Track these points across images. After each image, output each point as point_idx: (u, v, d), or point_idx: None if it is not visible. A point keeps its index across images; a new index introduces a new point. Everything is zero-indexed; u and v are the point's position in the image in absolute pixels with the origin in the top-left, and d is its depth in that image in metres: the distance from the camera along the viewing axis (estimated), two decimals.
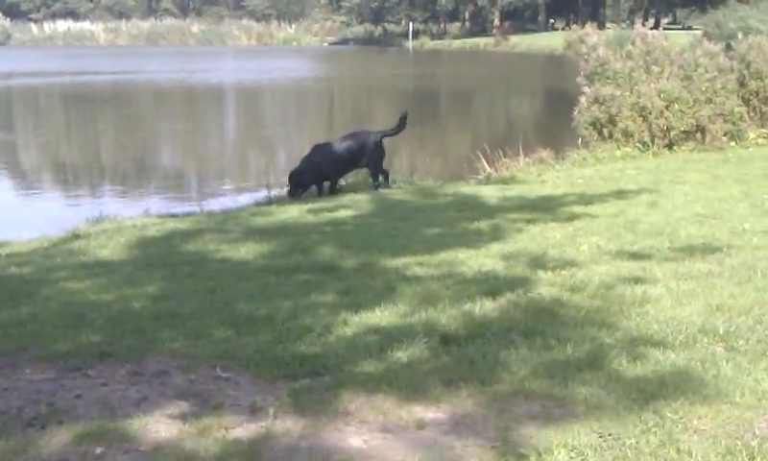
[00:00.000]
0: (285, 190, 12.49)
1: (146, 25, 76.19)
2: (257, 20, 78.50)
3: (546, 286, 6.19)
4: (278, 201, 11.97)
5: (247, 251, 7.99)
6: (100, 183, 17.54)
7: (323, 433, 3.92)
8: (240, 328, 5.40)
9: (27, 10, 78.11)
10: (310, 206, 10.65)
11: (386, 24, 78.37)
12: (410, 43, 73.09)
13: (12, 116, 30.94)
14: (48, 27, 75.01)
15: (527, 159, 14.64)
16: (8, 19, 75.31)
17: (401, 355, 4.76)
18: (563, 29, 69.10)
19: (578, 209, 9.55)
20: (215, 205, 12.80)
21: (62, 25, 75.02)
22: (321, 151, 12.61)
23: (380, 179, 12.56)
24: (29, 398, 4.47)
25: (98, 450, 3.81)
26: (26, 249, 8.52)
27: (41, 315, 5.88)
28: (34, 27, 75.46)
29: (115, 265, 7.58)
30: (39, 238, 9.30)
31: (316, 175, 12.41)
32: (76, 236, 9.03)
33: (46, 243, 8.81)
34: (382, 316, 5.52)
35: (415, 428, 3.95)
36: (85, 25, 76.04)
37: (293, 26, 78.49)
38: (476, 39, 71.30)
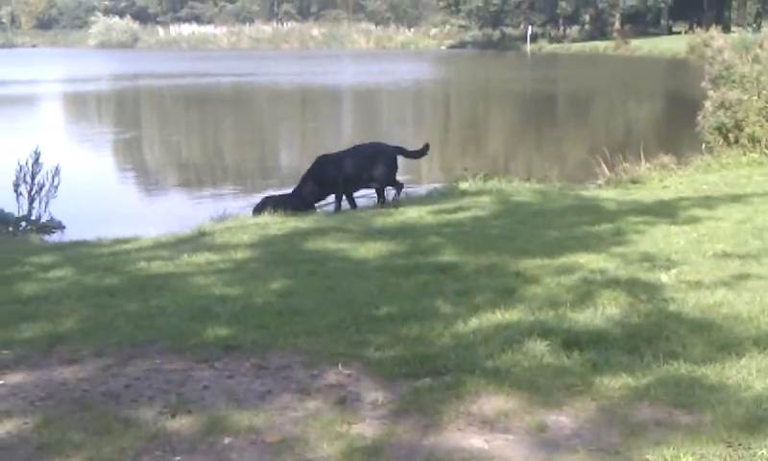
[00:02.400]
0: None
1: (267, 29, 77.58)
2: (376, 24, 79.04)
3: (670, 291, 6.07)
4: (397, 202, 12.02)
5: (366, 250, 8.06)
6: (222, 182, 17.91)
7: (444, 432, 3.94)
8: (361, 326, 5.45)
9: (154, 13, 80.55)
10: (429, 207, 10.68)
11: (504, 28, 77.95)
12: (528, 47, 72.50)
13: (138, 116, 31.92)
14: (174, 30, 77.16)
15: (648, 164, 14.35)
16: (136, 23, 77.75)
17: (522, 358, 4.74)
18: (685, 32, 67.44)
19: (702, 215, 9.32)
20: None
21: (187, 29, 77.06)
22: (327, 162, 11.90)
23: (395, 193, 11.91)
24: (159, 387, 4.61)
25: (226, 441, 3.91)
26: (154, 244, 8.79)
27: (169, 308, 6.06)
28: (160, 30, 77.73)
29: (239, 262, 7.75)
30: (167, 235, 9.58)
31: (321, 189, 11.68)
32: (202, 233, 9.27)
33: (173, 239, 9.06)
34: (502, 318, 5.50)
35: (537, 431, 3.93)
36: (209, 29, 77.92)
37: (411, 29, 78.80)
38: (596, 43, 70.23)
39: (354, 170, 11.65)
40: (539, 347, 4.85)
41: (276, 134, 26.77)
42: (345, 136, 27.12)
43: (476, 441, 3.85)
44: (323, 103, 36.44)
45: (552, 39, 75.72)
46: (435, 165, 20.49)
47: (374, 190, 11.89)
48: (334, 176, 11.55)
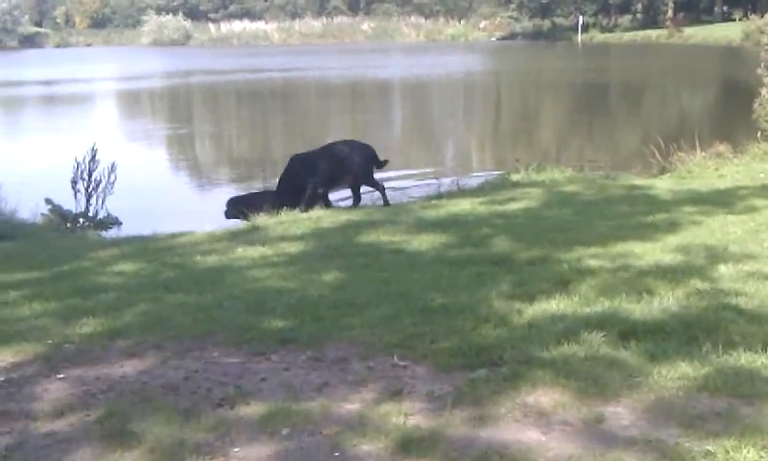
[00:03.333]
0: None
1: (317, 24, 77.83)
2: (425, 17, 78.86)
3: (728, 282, 5.99)
4: (449, 194, 12.02)
5: (419, 243, 8.07)
6: (273, 176, 17.95)
7: (501, 423, 3.93)
8: (416, 318, 5.46)
9: (206, 10, 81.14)
10: (481, 198, 10.67)
11: (555, 18, 77.31)
12: (579, 37, 71.83)
13: (190, 112, 32.22)
14: (225, 27, 77.72)
15: (703, 153, 14.16)
16: (189, 20, 78.44)
17: (579, 348, 4.71)
18: (740, 19, 66.28)
19: (760, 204, 9.19)
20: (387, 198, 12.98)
21: (238, 25, 77.56)
22: (300, 162, 11.65)
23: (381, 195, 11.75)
24: (217, 379, 4.67)
25: (284, 431, 3.95)
26: (209, 238, 8.88)
27: (226, 301, 6.13)
28: (212, 27, 78.36)
29: (293, 255, 7.80)
30: (221, 229, 9.68)
31: (297, 189, 11.31)
32: (255, 228, 9.34)
33: (228, 234, 9.15)
34: (558, 308, 5.48)
35: (594, 423, 3.91)
36: (260, 25, 78.37)
37: (461, 22, 78.52)
38: (648, 32, 69.35)
39: (327, 169, 11.43)
40: (595, 338, 4.82)
41: (327, 128, 26.86)
42: (395, 129, 27.16)
43: (533, 433, 3.84)
44: (373, 96, 36.47)
45: (603, 29, 74.95)
46: (486, 156, 20.45)
47: (350, 189, 11.77)
48: (303, 176, 11.33)
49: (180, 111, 32.32)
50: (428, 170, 17.82)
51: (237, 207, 10.94)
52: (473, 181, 14.06)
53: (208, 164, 20.41)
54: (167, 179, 17.11)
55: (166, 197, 11.82)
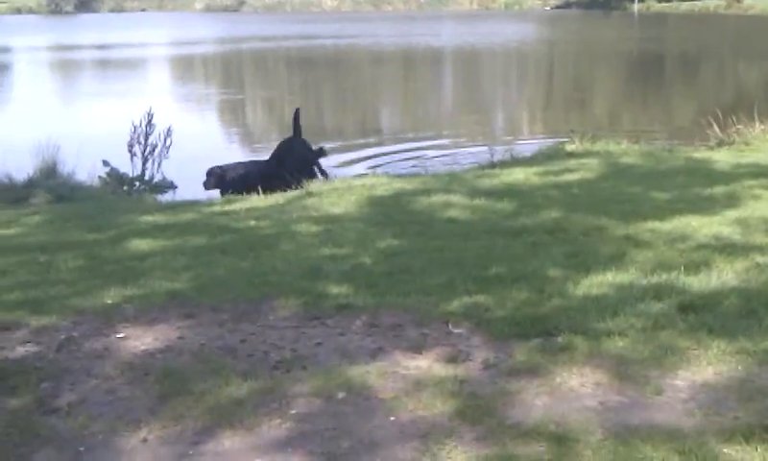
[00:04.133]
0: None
1: None
2: None
3: None
4: (502, 163, 11.94)
5: (473, 212, 8.04)
6: (324, 142, 17.96)
7: (557, 393, 3.93)
8: (470, 287, 5.46)
9: None
10: (535, 169, 10.57)
11: None
12: (635, 6, 70.75)
13: (242, 78, 32.32)
14: None
15: (762, 126, 13.89)
16: None
17: (635, 320, 4.67)
18: None
19: None
20: (439, 166, 12.96)
21: None
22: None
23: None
24: (273, 343, 4.71)
25: (340, 395, 3.98)
26: (263, 204, 8.92)
27: (280, 266, 6.16)
28: None
29: (346, 222, 7.82)
30: (275, 195, 9.72)
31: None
32: (309, 194, 9.36)
33: (281, 200, 9.18)
34: (614, 280, 5.43)
35: (652, 393, 3.89)
36: None
37: None
38: (706, 2, 68.05)
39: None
40: (652, 309, 4.79)
41: (378, 96, 26.84)
42: (447, 97, 27.06)
43: (590, 402, 3.83)
44: (426, 64, 36.31)
45: None
46: (538, 125, 20.31)
47: None
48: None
49: (233, 77, 32.46)
50: (479, 138, 17.80)
51: (217, 178, 10.78)
52: (525, 148, 13.98)
53: (260, 130, 20.48)
54: (220, 143, 17.18)
55: (219, 161, 11.88)
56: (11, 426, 3.78)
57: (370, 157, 15.41)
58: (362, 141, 17.61)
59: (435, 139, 17.95)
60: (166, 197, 11.08)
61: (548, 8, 75.80)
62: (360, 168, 14.00)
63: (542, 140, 16.93)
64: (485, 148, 15.07)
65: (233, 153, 15.83)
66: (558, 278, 5.59)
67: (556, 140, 15.82)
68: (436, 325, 4.88)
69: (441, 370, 4.22)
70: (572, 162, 11.12)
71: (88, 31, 55.71)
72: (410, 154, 15.87)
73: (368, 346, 4.63)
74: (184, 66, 36.61)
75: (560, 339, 4.46)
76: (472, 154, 14.91)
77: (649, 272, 5.57)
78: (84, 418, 3.86)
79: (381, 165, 14.37)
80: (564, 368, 4.14)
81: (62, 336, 4.85)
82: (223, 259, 6.48)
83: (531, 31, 53.58)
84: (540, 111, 23.23)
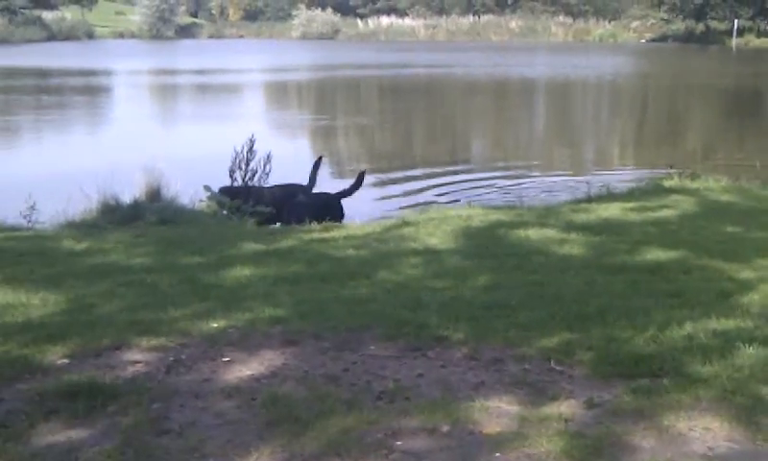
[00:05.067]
0: None
1: (464, 21, 77.81)
2: (574, 16, 77.71)
3: None
4: (598, 197, 11.84)
5: (570, 247, 8.00)
6: (415, 170, 17.99)
7: (665, 436, 3.89)
8: (571, 323, 5.44)
9: (354, 6, 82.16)
10: (632, 204, 10.48)
11: (709, 21, 74.91)
12: (734, 41, 69.51)
13: (335, 105, 32.67)
14: (372, 22, 78.58)
15: None
16: (337, 15, 79.68)
17: (743, 364, 4.60)
18: None
19: None
20: (533, 199, 12.93)
21: (386, 21, 78.31)
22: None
23: None
24: (375, 373, 4.76)
25: (445, 428, 4.01)
26: (360, 233, 9.01)
27: (380, 296, 6.23)
28: (359, 22, 79.36)
29: (444, 253, 7.86)
30: (371, 223, 9.82)
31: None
32: (405, 224, 9.43)
33: (378, 228, 9.27)
34: (719, 322, 5.35)
35: (763, 441, 3.82)
36: (407, 21, 78.92)
37: (610, 22, 77.07)
38: None
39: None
40: (761, 354, 4.70)
41: (470, 125, 26.87)
42: (538, 128, 26.94)
43: (698, 447, 3.79)
44: (518, 95, 36.22)
45: (760, 34, 72.15)
46: (631, 159, 20.12)
47: None
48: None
49: (326, 103, 32.83)
50: (570, 168, 17.74)
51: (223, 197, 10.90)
52: (616, 178, 13.88)
53: (350, 156, 20.60)
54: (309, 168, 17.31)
55: (316, 188, 12.05)
56: (126, 445, 3.90)
57: (456, 183, 15.51)
58: (450, 169, 17.68)
59: (525, 169, 17.93)
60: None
61: (644, 40, 74.91)
62: (448, 196, 14.10)
63: (634, 172, 16.89)
64: (576, 178, 15.11)
65: (327, 179, 15.96)
66: (660, 317, 5.53)
67: (649, 172, 15.77)
68: (537, 361, 4.87)
69: (544, 407, 4.21)
70: (670, 199, 10.98)
71: (188, 56, 57.03)
72: (499, 182, 15.91)
73: (469, 379, 4.65)
74: (280, 92, 37.22)
75: (665, 381, 4.42)
76: (563, 184, 14.91)
77: (756, 316, 5.47)
78: (195, 440, 3.96)
79: (466, 191, 14.46)
80: (670, 411, 4.10)
81: (171, 358, 4.98)
82: (323, 287, 6.57)
83: (626, 63, 53.03)
84: (632, 144, 23.00)
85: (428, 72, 44.53)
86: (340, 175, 16.72)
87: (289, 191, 11.32)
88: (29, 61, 47.62)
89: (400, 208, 12.50)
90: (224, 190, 11.05)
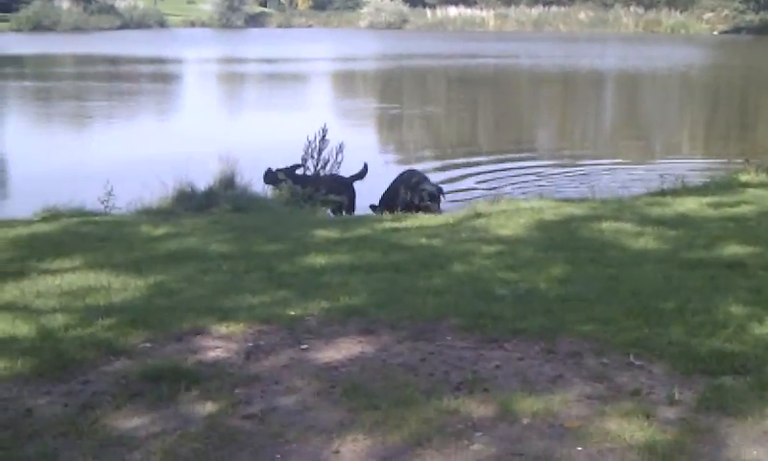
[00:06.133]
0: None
1: (533, 11, 77.14)
2: (645, 7, 76.47)
3: None
4: (672, 191, 11.69)
5: (645, 241, 7.91)
6: (479, 159, 17.94)
7: (750, 433, 3.85)
8: (649, 318, 5.39)
9: None
10: (708, 199, 10.31)
11: None
12: None
13: (401, 93, 32.62)
14: (441, 13, 78.27)
15: None
16: (406, 5, 79.53)
17: None
18: None
19: None
20: (605, 190, 12.79)
21: (454, 11, 77.95)
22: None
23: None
24: (453, 364, 4.78)
25: (524, 421, 4.01)
26: (433, 223, 9.02)
27: (455, 287, 6.24)
28: (428, 12, 79.09)
29: (516, 245, 7.83)
30: (444, 214, 9.82)
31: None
32: (477, 215, 9.41)
33: (451, 219, 9.27)
34: None
35: None
36: (476, 11, 78.50)
37: (682, 13, 75.67)
38: None
39: None
40: None
41: (537, 116, 26.68)
42: (604, 119, 26.65)
43: None
44: (586, 86, 35.83)
45: None
46: (704, 151, 19.85)
47: None
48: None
49: (392, 92, 32.77)
50: (637, 157, 17.57)
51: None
52: (684, 167, 13.72)
53: (416, 145, 20.53)
54: (380, 157, 17.34)
55: (384, 177, 12.08)
56: (210, 430, 3.97)
57: (522, 174, 15.48)
58: (516, 156, 17.64)
59: (592, 159, 17.80)
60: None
61: (716, 32, 73.49)
62: (512, 185, 14.08)
63: (704, 161, 16.82)
64: (646, 167, 15.06)
65: (390, 167, 15.96)
66: (741, 314, 5.46)
67: (719, 162, 15.67)
68: (615, 355, 4.84)
69: (625, 402, 4.19)
70: (747, 194, 10.79)
71: (257, 44, 57.48)
72: (569, 171, 15.83)
73: (547, 372, 4.64)
74: (349, 81, 37.32)
75: (749, 378, 4.36)
76: (636, 175, 14.83)
77: None
78: (277, 425, 4.02)
79: (531, 182, 14.43)
80: (755, 408, 4.05)
81: (250, 344, 5.06)
82: (397, 276, 6.60)
83: (698, 55, 52.13)
84: (702, 135, 22.70)
85: (497, 62, 44.24)
86: (407, 162, 16.71)
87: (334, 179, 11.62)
88: (103, 49, 48.42)
89: (468, 198, 12.50)
90: (269, 174, 11.41)
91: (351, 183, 11.70)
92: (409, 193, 11.08)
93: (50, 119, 23.69)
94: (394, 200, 11.07)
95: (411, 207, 10.68)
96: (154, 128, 22.10)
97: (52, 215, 9.56)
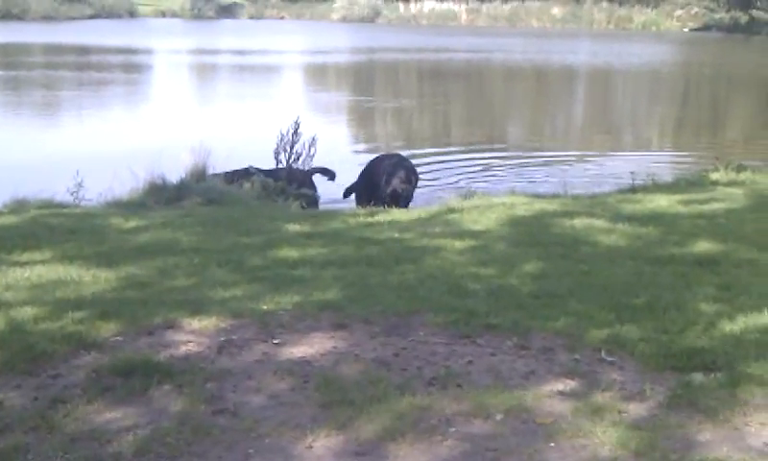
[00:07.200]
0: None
1: (506, 7, 77.25)
2: (619, 4, 76.82)
3: None
4: (643, 188, 11.76)
5: (617, 237, 7.96)
6: (448, 149, 17.96)
7: (720, 430, 3.88)
8: (621, 314, 5.43)
9: None
10: (678, 196, 10.39)
11: (754, 10, 73.71)
12: None
13: (373, 87, 32.57)
14: (414, 7, 78.24)
15: None
16: None
17: None
18: None
19: None
20: (578, 188, 12.85)
21: (428, 5, 77.89)
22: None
23: None
24: (425, 359, 4.78)
25: (498, 417, 4.02)
26: (406, 218, 9.02)
27: (427, 282, 6.24)
28: (401, 6, 78.98)
29: (489, 240, 7.85)
30: (417, 209, 9.83)
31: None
32: (450, 210, 9.43)
33: (424, 214, 9.27)
34: None
35: None
36: (449, 5, 78.52)
37: (653, 10, 76.11)
38: None
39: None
40: None
41: (507, 110, 26.76)
42: (576, 115, 26.78)
43: (755, 441, 3.78)
44: (558, 81, 35.96)
45: None
46: (673, 145, 20.04)
47: None
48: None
49: (364, 86, 32.73)
50: (608, 154, 17.70)
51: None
52: (667, 176, 13.78)
53: (387, 138, 20.50)
54: (358, 151, 17.33)
55: (350, 170, 12.09)
56: (182, 424, 3.94)
57: (494, 167, 15.56)
58: (488, 149, 17.73)
59: (563, 153, 17.91)
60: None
61: (686, 29, 73.98)
62: (485, 180, 14.13)
63: (672, 154, 17.06)
64: (616, 162, 15.24)
65: (360, 159, 15.95)
66: (711, 311, 5.51)
67: (686, 157, 15.93)
68: (587, 351, 4.87)
69: (597, 398, 4.21)
70: (717, 192, 10.88)
71: (229, 36, 57.19)
72: (541, 166, 15.92)
73: (520, 368, 4.66)
74: (321, 73, 37.24)
75: (720, 375, 4.40)
76: (605, 171, 14.97)
77: None
78: (250, 420, 4.01)
79: (503, 177, 14.50)
80: (725, 405, 4.08)
81: (222, 338, 5.03)
82: (370, 271, 6.59)
83: (669, 52, 52.49)
84: (670, 132, 22.88)
85: (469, 57, 44.29)
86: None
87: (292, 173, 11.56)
88: (73, 39, 47.98)
89: (440, 193, 12.51)
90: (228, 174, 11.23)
91: (311, 177, 11.66)
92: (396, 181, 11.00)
93: (19, 108, 23.44)
94: (374, 189, 11.01)
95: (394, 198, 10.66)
96: (124, 119, 21.90)
97: (20, 206, 9.46)
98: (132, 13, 75.47)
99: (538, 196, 10.73)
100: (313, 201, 11.11)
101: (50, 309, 5.44)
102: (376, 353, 4.85)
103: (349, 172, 12.14)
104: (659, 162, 16.05)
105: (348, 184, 11.66)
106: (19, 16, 65.00)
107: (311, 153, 11.65)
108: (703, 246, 7.51)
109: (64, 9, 69.23)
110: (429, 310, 5.54)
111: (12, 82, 29.28)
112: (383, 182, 10.97)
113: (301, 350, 4.88)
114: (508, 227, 8.53)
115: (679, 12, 76.05)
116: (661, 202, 10.00)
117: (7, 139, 17.85)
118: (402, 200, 10.87)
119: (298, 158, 11.57)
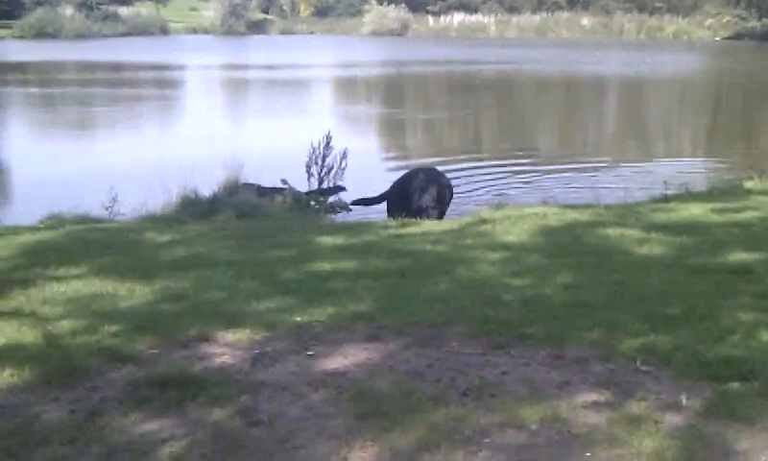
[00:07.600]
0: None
1: (536, 18, 77.25)
2: (649, 13, 76.47)
3: None
4: (676, 197, 11.68)
5: (651, 247, 7.91)
6: (483, 166, 17.90)
7: (757, 439, 3.84)
8: (656, 324, 5.39)
9: (425, 2, 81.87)
10: (713, 204, 10.32)
11: None
12: None
13: (403, 99, 32.62)
14: (443, 19, 78.43)
15: None
16: (408, 11, 79.58)
17: None
18: None
19: None
20: (608, 197, 12.79)
21: (457, 17, 78.12)
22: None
23: None
24: (459, 369, 4.77)
25: (533, 426, 4.00)
26: (438, 229, 9.02)
27: (460, 292, 6.24)
28: (430, 19, 79.23)
29: (521, 251, 7.83)
30: (449, 220, 9.82)
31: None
32: (482, 221, 9.42)
33: (455, 225, 9.27)
34: None
35: None
36: (478, 18, 78.61)
37: (684, 19, 75.69)
38: None
39: None
40: None
41: (538, 120, 26.69)
42: (607, 124, 26.66)
43: None
44: (589, 91, 35.84)
45: None
46: (705, 154, 19.91)
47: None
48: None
49: (395, 98, 32.80)
50: (641, 163, 17.63)
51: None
52: (701, 185, 13.70)
53: (417, 150, 20.51)
54: (387, 163, 17.36)
55: (381, 182, 12.12)
56: (217, 436, 3.96)
57: (526, 179, 15.55)
58: (520, 161, 17.70)
59: (591, 160, 17.88)
60: (339, 216, 11.36)
61: (718, 38, 73.49)
62: (516, 190, 14.11)
63: (705, 162, 16.95)
64: (648, 170, 15.18)
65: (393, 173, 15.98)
66: (747, 319, 5.46)
67: (720, 165, 15.83)
68: (622, 361, 4.84)
69: (632, 407, 4.18)
70: (751, 200, 10.80)
71: (260, 51, 57.52)
72: (573, 176, 15.88)
73: (554, 378, 4.64)
74: (351, 87, 37.34)
75: (757, 384, 4.35)
76: (638, 180, 14.91)
77: None
78: (284, 432, 4.02)
79: (535, 187, 14.47)
80: (763, 414, 4.04)
81: (256, 351, 5.05)
82: (403, 282, 6.60)
83: (700, 61, 52.15)
84: (701, 141, 22.74)
85: (498, 68, 44.25)
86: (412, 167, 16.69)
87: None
88: (106, 56, 48.49)
89: (471, 204, 12.51)
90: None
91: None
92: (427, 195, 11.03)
93: (54, 125, 23.71)
94: (405, 201, 11.02)
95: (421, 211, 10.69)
96: (157, 134, 22.12)
97: (57, 222, 9.58)
98: (165, 30, 76.20)
99: (570, 206, 10.68)
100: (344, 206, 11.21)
101: (86, 323, 5.49)
102: (410, 364, 4.84)
103: (383, 186, 12.16)
104: (691, 171, 15.99)
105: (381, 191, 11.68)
106: (53, 35, 65.83)
107: (342, 166, 11.69)
108: (737, 255, 7.44)
109: (97, 26, 70.12)
110: (462, 321, 5.53)
111: (47, 99, 29.64)
112: (415, 197, 10.99)
113: (335, 361, 4.89)
114: (540, 237, 8.50)
115: (710, 21, 75.53)
116: (695, 210, 9.93)
117: (43, 156, 18.09)
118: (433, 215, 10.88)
119: (329, 172, 11.61)
